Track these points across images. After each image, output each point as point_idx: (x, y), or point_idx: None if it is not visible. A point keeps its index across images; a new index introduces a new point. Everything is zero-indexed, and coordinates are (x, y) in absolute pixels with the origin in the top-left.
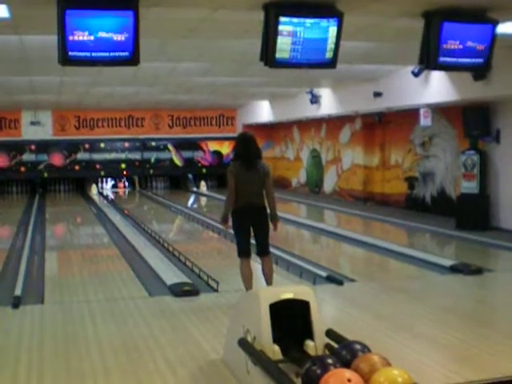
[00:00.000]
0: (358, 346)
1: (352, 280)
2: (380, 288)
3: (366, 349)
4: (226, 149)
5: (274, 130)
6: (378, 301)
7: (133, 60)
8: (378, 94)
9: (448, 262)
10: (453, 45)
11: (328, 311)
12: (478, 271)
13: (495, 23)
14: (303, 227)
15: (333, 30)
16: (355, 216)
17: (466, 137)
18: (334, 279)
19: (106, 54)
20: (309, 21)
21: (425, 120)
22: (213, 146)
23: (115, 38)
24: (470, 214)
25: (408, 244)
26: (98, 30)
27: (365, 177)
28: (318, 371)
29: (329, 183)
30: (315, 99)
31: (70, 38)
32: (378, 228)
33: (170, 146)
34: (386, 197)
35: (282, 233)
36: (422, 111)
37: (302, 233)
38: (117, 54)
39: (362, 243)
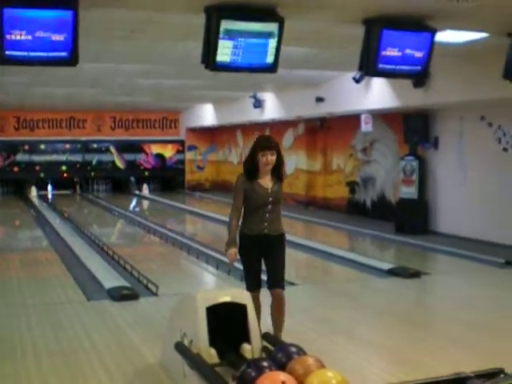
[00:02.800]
0: (293, 349)
1: (292, 284)
2: (320, 291)
3: (301, 351)
4: (169, 152)
5: (218, 134)
6: (318, 304)
7: (71, 60)
8: (320, 100)
9: (386, 266)
10: (392, 52)
11: (267, 315)
12: (415, 274)
13: (434, 31)
14: None
15: (274, 35)
16: (297, 220)
17: (406, 143)
18: None
19: (44, 54)
20: (250, 25)
21: (366, 126)
22: (156, 149)
23: (54, 38)
24: (408, 218)
25: (349, 248)
26: (37, 29)
27: (307, 181)
28: (253, 374)
29: None
30: (259, 103)
31: (8, 36)
32: (320, 232)
33: (112, 149)
34: (328, 201)
35: (223, 235)
36: (363, 117)
37: None
38: (55, 53)
39: (303, 247)
